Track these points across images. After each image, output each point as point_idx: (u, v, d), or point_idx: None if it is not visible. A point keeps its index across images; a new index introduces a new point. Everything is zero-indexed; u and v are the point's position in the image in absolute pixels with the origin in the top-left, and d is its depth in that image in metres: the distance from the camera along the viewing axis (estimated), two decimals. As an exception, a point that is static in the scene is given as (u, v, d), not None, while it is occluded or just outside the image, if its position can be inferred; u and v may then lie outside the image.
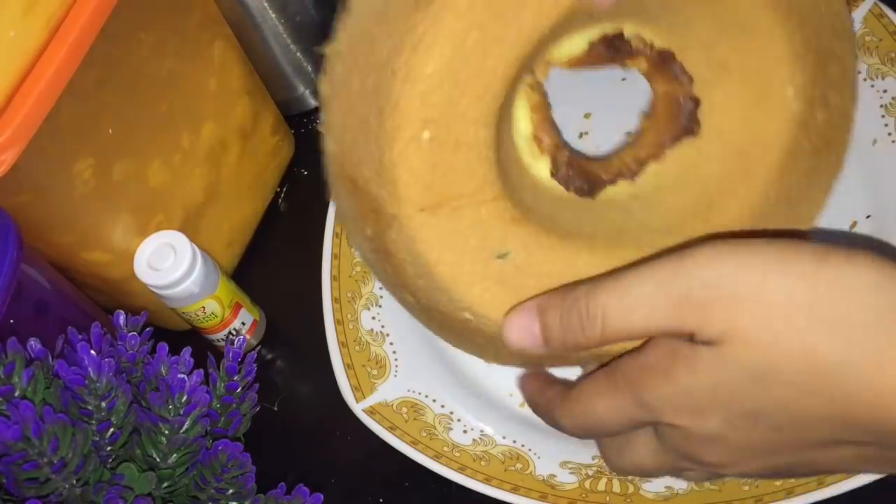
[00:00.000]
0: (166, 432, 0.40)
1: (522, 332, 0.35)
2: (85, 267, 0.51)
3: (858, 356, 0.27)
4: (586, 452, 0.49)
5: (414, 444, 0.50)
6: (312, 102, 0.69)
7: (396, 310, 0.55)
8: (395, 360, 0.54)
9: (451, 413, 0.52)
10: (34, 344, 0.39)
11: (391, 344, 0.54)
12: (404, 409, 0.52)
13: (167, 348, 0.42)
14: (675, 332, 0.30)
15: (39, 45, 0.41)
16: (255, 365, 0.44)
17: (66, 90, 0.41)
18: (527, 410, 0.47)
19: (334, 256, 0.57)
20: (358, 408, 0.52)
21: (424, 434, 0.51)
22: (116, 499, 0.37)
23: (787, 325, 0.27)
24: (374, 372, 0.53)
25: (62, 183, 0.45)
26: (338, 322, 0.55)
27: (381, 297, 0.56)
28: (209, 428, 0.42)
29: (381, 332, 0.55)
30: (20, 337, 0.38)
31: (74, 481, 0.37)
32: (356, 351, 0.54)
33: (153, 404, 0.40)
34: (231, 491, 0.40)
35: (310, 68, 0.66)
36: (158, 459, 0.40)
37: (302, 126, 0.69)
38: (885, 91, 0.54)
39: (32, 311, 0.46)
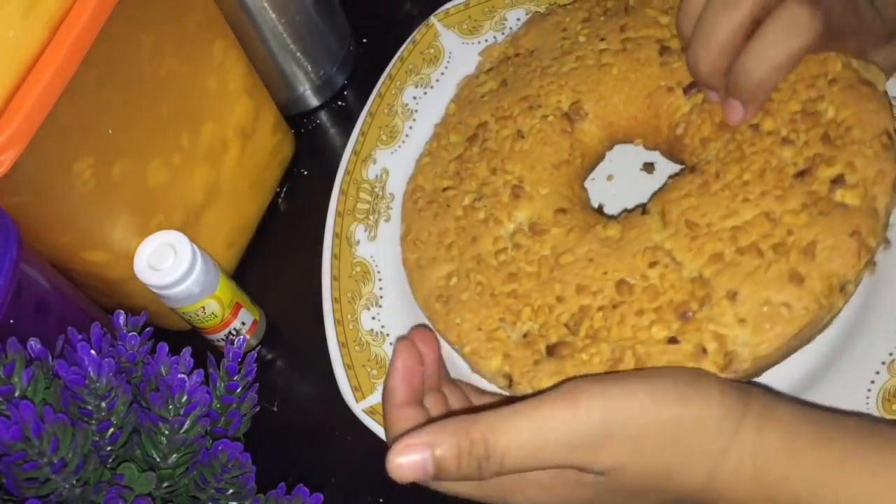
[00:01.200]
0: (166, 432, 0.40)
1: (414, 468, 0.38)
2: (85, 267, 0.51)
3: (678, 466, 0.38)
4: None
5: None
6: (313, 102, 0.69)
7: (397, 310, 0.55)
8: None
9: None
10: (34, 344, 0.39)
11: (391, 344, 0.54)
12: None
13: (167, 348, 0.42)
14: (566, 466, 0.39)
15: (39, 45, 0.41)
16: (255, 365, 0.44)
17: (66, 90, 0.41)
18: None
19: (334, 256, 0.57)
20: (358, 408, 0.52)
21: None
22: (116, 499, 0.37)
23: (645, 454, 0.38)
24: (374, 372, 0.53)
25: (62, 183, 0.45)
26: (338, 322, 0.55)
27: (382, 297, 0.56)
28: (209, 428, 0.42)
29: (381, 332, 0.55)
30: (20, 337, 0.39)
31: (74, 481, 0.37)
32: (356, 351, 0.54)
33: (153, 404, 0.40)
34: (231, 491, 0.40)
35: (310, 68, 0.66)
36: (158, 459, 0.40)
37: (302, 126, 0.69)
38: None
39: (32, 311, 0.46)
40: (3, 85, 0.40)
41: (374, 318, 0.56)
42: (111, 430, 0.39)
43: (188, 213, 0.56)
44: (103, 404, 0.39)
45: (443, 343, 0.51)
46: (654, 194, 0.53)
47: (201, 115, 0.55)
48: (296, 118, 0.69)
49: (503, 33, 0.64)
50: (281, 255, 0.64)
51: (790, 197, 0.46)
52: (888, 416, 0.44)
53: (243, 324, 0.57)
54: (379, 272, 0.57)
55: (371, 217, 0.59)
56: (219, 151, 0.57)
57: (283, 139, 0.65)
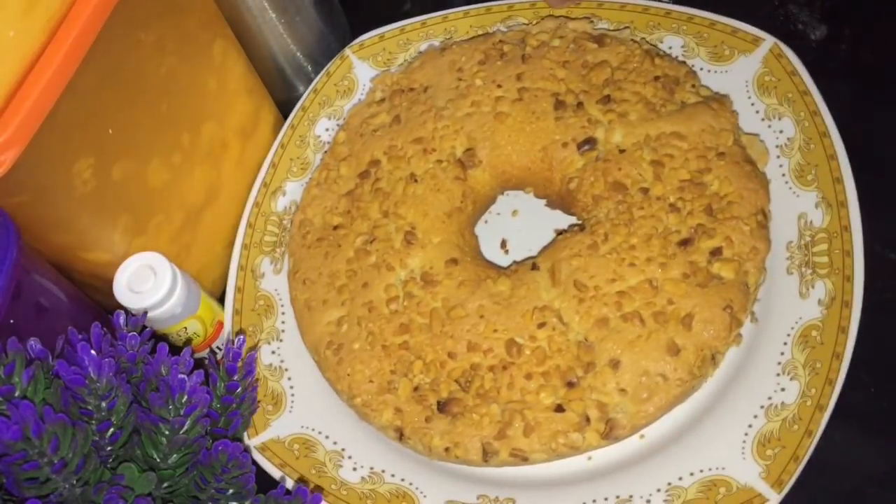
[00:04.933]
0: (166, 432, 0.40)
1: None
2: (85, 267, 0.51)
3: None
4: (471, 491, 0.49)
5: (302, 481, 0.50)
6: (312, 102, 0.69)
7: (298, 344, 0.55)
8: (292, 395, 0.54)
9: (343, 450, 0.51)
10: (34, 344, 0.39)
11: (289, 379, 0.54)
12: (296, 446, 0.51)
13: (167, 348, 0.42)
14: None
15: (39, 45, 0.41)
16: (255, 365, 0.44)
17: (66, 90, 0.41)
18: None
19: (237, 290, 0.57)
20: (250, 444, 0.51)
21: (314, 471, 0.50)
22: (116, 499, 0.37)
23: None
24: (270, 408, 0.53)
25: (62, 183, 0.45)
26: None
27: (283, 330, 0.56)
28: (209, 428, 0.42)
29: (279, 366, 0.55)
30: (20, 337, 0.38)
31: (74, 481, 0.37)
32: None
33: (153, 404, 0.40)
34: (231, 491, 0.40)
35: (310, 68, 0.66)
36: (159, 460, 0.40)
37: (302, 126, 0.69)
38: (780, 132, 0.54)
39: (32, 311, 0.46)
40: (3, 85, 0.40)
41: (273, 352, 0.55)
42: (111, 430, 0.39)
43: (188, 213, 0.56)
44: (103, 404, 0.39)
45: (331, 390, 0.52)
46: (544, 249, 0.54)
47: (201, 115, 0.55)
48: (296, 118, 0.69)
49: None
50: (281, 255, 0.64)
51: (673, 265, 0.49)
52: (762, 462, 0.45)
53: (226, 341, 0.56)
54: (282, 305, 0.57)
55: (278, 250, 0.59)
56: (219, 151, 0.57)
57: (283, 139, 0.65)
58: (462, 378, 0.48)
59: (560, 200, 0.56)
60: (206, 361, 0.53)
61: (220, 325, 0.55)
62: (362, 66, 0.64)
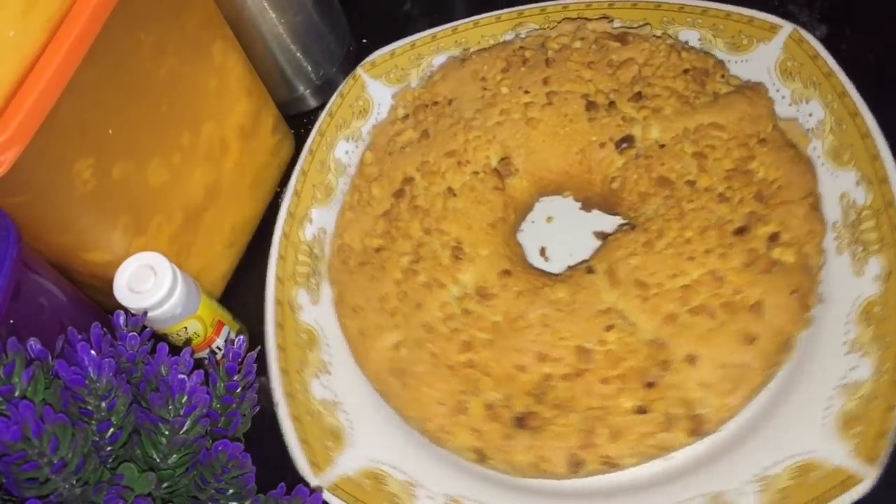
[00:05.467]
0: (166, 433, 0.40)
1: None
2: (85, 267, 0.51)
3: None
4: None
5: None
6: (312, 102, 0.69)
7: (347, 377, 0.52)
8: (351, 428, 0.51)
9: (415, 481, 0.49)
10: (34, 344, 0.39)
11: (345, 412, 0.51)
12: (367, 481, 0.48)
13: (167, 348, 0.42)
14: None
15: (39, 45, 0.41)
16: (255, 365, 0.44)
17: (66, 90, 0.41)
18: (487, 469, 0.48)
19: (279, 326, 0.54)
20: (316, 481, 0.48)
21: None
22: (116, 499, 0.37)
23: None
24: (330, 444, 0.50)
25: (62, 183, 0.45)
26: (288, 395, 0.51)
27: (331, 363, 0.54)
28: (209, 428, 0.42)
29: (333, 400, 0.52)
30: (20, 337, 0.38)
31: (74, 481, 0.36)
32: (309, 423, 0.50)
33: (153, 404, 0.40)
34: (231, 491, 0.40)
35: (310, 68, 0.66)
36: (158, 460, 0.40)
37: (302, 126, 0.69)
38: (810, 115, 0.54)
39: (32, 311, 0.46)
40: (3, 85, 0.40)
41: (324, 386, 0.53)
42: (111, 430, 0.39)
43: (188, 213, 0.56)
44: (103, 404, 0.39)
45: (391, 419, 0.50)
46: (597, 251, 0.53)
47: (201, 115, 0.55)
48: (296, 118, 0.69)
49: None
50: (281, 255, 0.64)
51: (732, 255, 0.48)
52: (849, 441, 0.45)
53: (226, 341, 0.56)
54: (326, 337, 0.55)
55: (312, 280, 0.57)
56: (219, 151, 0.57)
57: (283, 139, 0.65)
58: (536, 390, 0.47)
59: (602, 201, 0.56)
60: (206, 361, 0.53)
61: (221, 324, 0.55)
62: (375, 84, 0.63)
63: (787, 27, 0.57)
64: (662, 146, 0.53)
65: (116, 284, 0.50)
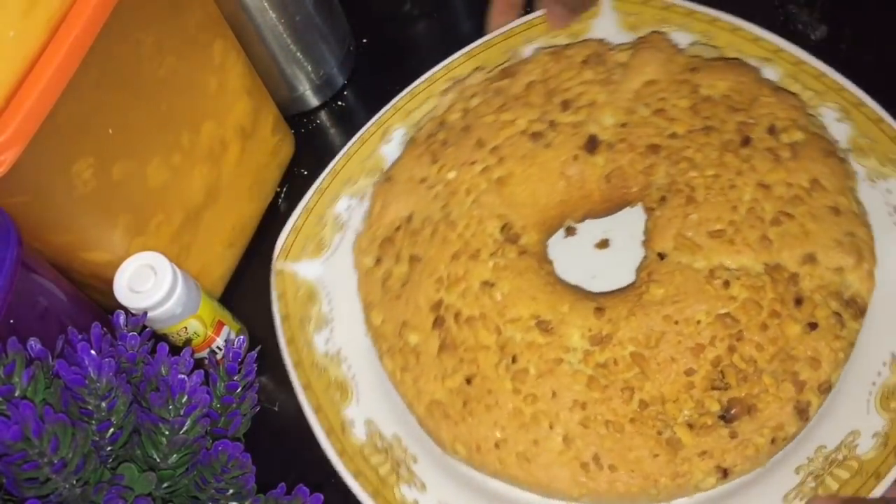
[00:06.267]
0: (166, 433, 0.40)
1: None
2: (85, 267, 0.51)
3: None
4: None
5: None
6: (313, 102, 0.69)
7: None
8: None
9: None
10: (34, 344, 0.39)
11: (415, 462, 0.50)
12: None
13: (167, 348, 0.42)
14: None
15: (39, 45, 0.41)
16: (255, 365, 0.44)
17: (66, 90, 0.41)
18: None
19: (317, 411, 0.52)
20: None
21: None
22: (116, 499, 0.37)
23: None
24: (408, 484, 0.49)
25: (62, 183, 0.45)
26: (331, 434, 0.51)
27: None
28: (209, 428, 0.42)
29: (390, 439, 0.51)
30: (20, 337, 0.38)
31: (74, 481, 0.36)
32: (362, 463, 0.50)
33: (153, 404, 0.40)
34: (231, 491, 0.40)
35: (310, 68, 0.66)
36: (158, 460, 0.40)
37: (302, 126, 0.69)
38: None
39: (32, 311, 0.46)
40: (3, 85, 0.40)
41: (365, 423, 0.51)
42: (111, 430, 0.39)
43: (188, 213, 0.56)
44: (103, 404, 0.39)
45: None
46: (647, 238, 0.53)
47: (201, 115, 0.55)
48: (296, 118, 0.69)
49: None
50: (281, 255, 0.64)
51: (758, 162, 0.51)
52: (884, 414, 0.45)
53: (226, 341, 0.56)
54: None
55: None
56: (219, 151, 0.57)
57: (283, 139, 0.65)
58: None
59: (610, 204, 0.55)
60: (206, 361, 0.53)
61: (221, 324, 0.55)
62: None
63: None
64: (624, 125, 0.54)
65: (116, 284, 0.50)
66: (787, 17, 0.64)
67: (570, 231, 0.57)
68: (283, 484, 0.42)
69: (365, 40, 0.72)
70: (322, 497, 0.43)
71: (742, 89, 0.54)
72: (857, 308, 0.48)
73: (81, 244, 0.49)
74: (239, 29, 0.58)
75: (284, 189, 0.66)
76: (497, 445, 0.47)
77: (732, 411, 0.46)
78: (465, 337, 0.50)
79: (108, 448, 0.39)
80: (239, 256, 0.63)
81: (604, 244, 0.56)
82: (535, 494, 0.48)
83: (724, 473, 0.45)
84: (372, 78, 0.65)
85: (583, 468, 0.46)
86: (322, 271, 0.56)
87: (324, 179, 0.59)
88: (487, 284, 0.51)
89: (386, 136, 0.60)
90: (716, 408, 0.46)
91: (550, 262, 0.54)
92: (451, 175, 0.55)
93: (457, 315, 0.50)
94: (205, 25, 0.53)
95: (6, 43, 0.40)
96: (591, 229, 0.57)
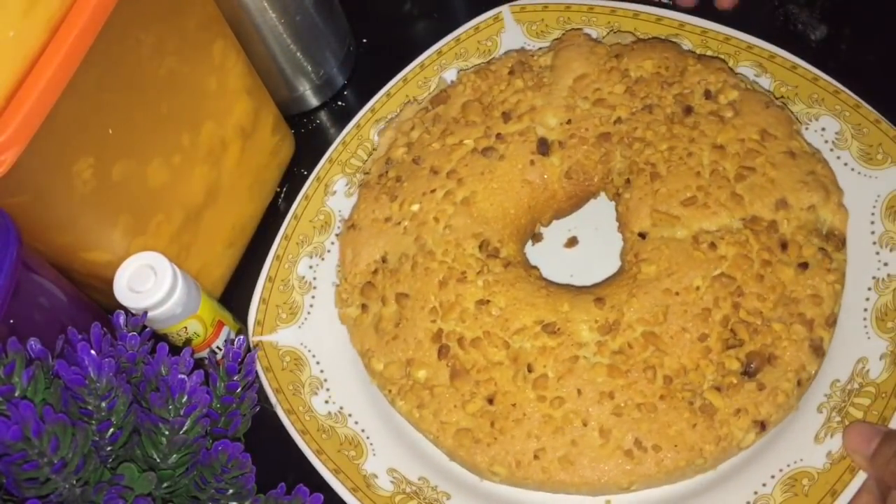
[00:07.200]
0: (166, 433, 0.40)
1: (860, 441, 0.44)
2: (85, 267, 0.51)
3: None
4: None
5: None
6: (313, 102, 0.69)
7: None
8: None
9: (325, 380, 0.54)
10: (34, 344, 0.39)
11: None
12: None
13: (167, 348, 0.42)
14: None
15: (39, 45, 0.41)
16: (255, 365, 0.44)
17: (66, 90, 0.41)
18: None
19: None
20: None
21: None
22: (116, 499, 0.37)
23: None
24: None
25: (62, 183, 0.45)
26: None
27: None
28: (209, 428, 0.42)
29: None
30: (20, 337, 0.38)
31: (74, 481, 0.37)
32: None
33: (153, 404, 0.40)
34: (231, 491, 0.40)
35: (310, 68, 0.66)
36: (158, 460, 0.40)
37: (302, 126, 0.69)
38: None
39: (32, 311, 0.46)
40: (3, 85, 0.40)
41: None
42: (111, 430, 0.39)
43: (188, 213, 0.56)
44: (103, 404, 0.39)
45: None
46: (620, 221, 0.54)
47: (201, 115, 0.55)
48: (296, 118, 0.69)
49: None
50: (281, 255, 0.64)
51: (706, 127, 0.53)
52: (884, 335, 0.48)
53: (226, 341, 0.56)
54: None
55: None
56: (219, 151, 0.57)
57: (283, 139, 0.65)
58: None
59: (575, 199, 0.56)
60: (206, 361, 0.53)
61: (221, 324, 0.55)
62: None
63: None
64: (569, 122, 0.55)
65: (116, 284, 0.50)
66: (787, 17, 0.64)
67: (537, 237, 0.57)
68: (283, 484, 0.43)
69: (365, 40, 0.72)
70: (322, 497, 0.43)
71: (668, 64, 0.56)
72: (838, 240, 0.50)
73: (81, 244, 0.49)
74: (239, 29, 0.58)
75: (284, 189, 0.66)
76: (536, 456, 0.47)
77: (753, 365, 0.46)
78: (475, 359, 0.49)
79: (108, 448, 0.39)
80: (239, 256, 0.63)
81: (572, 242, 0.57)
82: (586, 496, 0.48)
83: (762, 426, 0.46)
84: (372, 78, 0.65)
85: (627, 456, 0.46)
86: (302, 335, 0.56)
87: (278, 245, 0.59)
88: (482, 303, 0.51)
89: (329, 189, 0.60)
90: (736, 366, 0.47)
91: (536, 268, 0.55)
92: (415, 208, 0.55)
93: (460, 340, 0.50)
94: (205, 25, 0.53)
95: (6, 43, 0.40)
96: (556, 232, 0.58)
